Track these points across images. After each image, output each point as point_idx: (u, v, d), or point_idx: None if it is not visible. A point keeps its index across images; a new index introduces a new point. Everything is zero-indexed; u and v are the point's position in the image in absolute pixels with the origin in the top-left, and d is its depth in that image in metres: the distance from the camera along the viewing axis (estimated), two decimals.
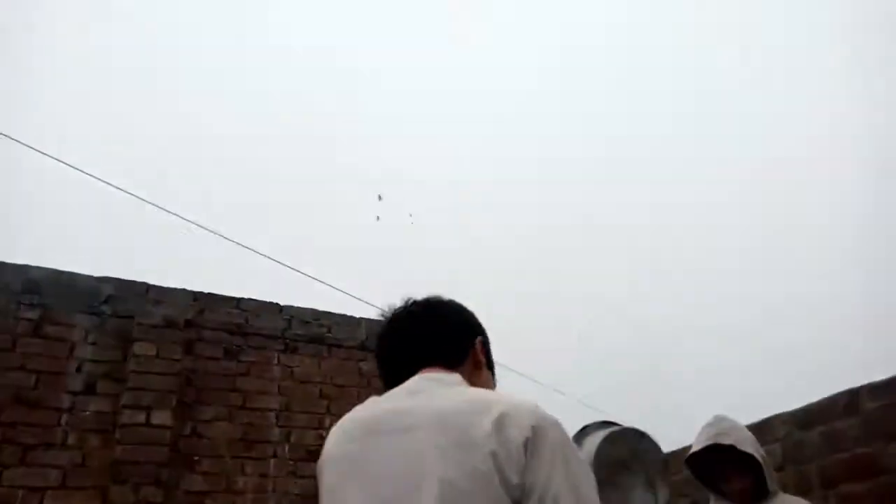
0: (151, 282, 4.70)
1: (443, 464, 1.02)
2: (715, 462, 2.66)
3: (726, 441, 2.58)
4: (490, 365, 1.35)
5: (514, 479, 0.98)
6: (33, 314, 4.23)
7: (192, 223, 5.78)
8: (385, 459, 1.11)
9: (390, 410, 1.18)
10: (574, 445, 1.11)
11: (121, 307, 4.49)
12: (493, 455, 0.99)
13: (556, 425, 1.06)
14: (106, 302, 4.49)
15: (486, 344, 1.34)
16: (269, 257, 6.05)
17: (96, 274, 4.57)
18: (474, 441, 1.01)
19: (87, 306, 4.41)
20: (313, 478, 4.25)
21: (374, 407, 1.23)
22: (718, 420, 2.71)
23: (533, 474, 0.99)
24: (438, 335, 1.29)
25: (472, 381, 1.25)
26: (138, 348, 4.32)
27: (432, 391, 1.17)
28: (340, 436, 1.24)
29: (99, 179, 5.44)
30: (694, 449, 2.69)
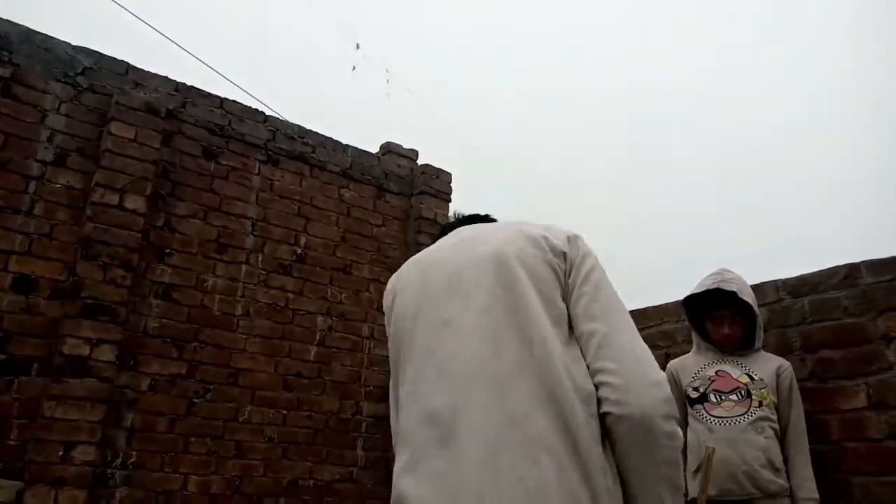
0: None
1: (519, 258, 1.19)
2: (710, 309, 2.72)
3: (729, 288, 2.63)
4: None
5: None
6: (3, 71, 3.88)
7: (179, 44, 5.32)
8: (455, 261, 1.24)
9: (453, 240, 1.33)
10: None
11: (98, 82, 4.17)
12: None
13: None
14: (82, 73, 4.15)
15: None
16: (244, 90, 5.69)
17: (73, 42, 4.19)
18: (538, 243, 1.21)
19: (62, 74, 4.07)
20: (282, 290, 4.23)
21: (436, 245, 1.37)
22: (724, 270, 2.75)
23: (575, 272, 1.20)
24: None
25: None
26: (115, 128, 4.05)
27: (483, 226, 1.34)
28: (409, 266, 1.36)
29: None
30: (697, 290, 2.74)
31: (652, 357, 1.12)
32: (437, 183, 5.45)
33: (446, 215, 5.44)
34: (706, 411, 2.59)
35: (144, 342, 3.98)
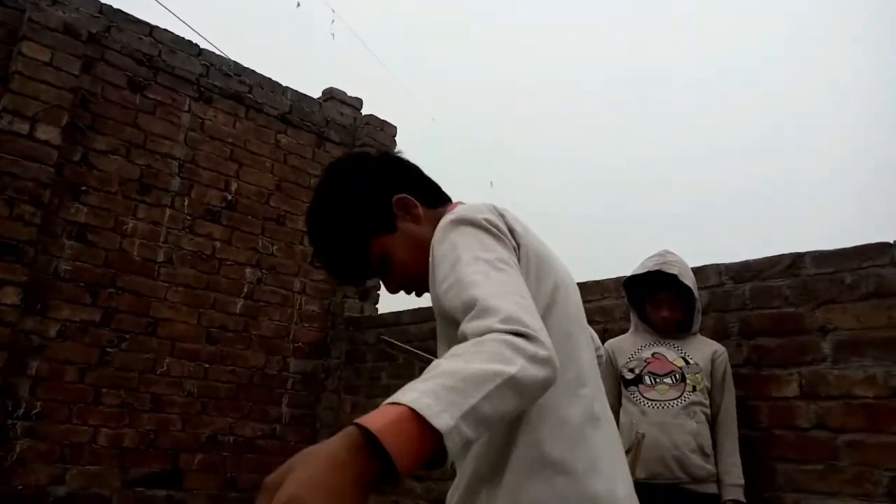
0: None
1: None
2: (650, 290, 2.68)
3: (671, 270, 2.58)
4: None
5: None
6: None
7: None
8: None
9: None
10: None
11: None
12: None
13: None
14: None
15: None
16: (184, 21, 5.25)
17: None
18: None
19: None
20: (209, 237, 3.96)
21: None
22: (665, 252, 2.70)
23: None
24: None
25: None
26: (27, 49, 3.66)
27: None
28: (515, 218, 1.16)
29: None
30: (637, 271, 2.68)
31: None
32: (380, 136, 5.22)
33: None
34: (640, 393, 2.56)
35: (54, 286, 3.69)
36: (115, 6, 4.16)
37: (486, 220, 0.94)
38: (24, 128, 3.57)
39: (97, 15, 4.06)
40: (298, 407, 4.56)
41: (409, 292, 1.12)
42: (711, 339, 2.70)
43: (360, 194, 1.08)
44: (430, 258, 0.96)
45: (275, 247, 4.59)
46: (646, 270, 2.63)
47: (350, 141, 5.15)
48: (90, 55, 3.96)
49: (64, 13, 3.86)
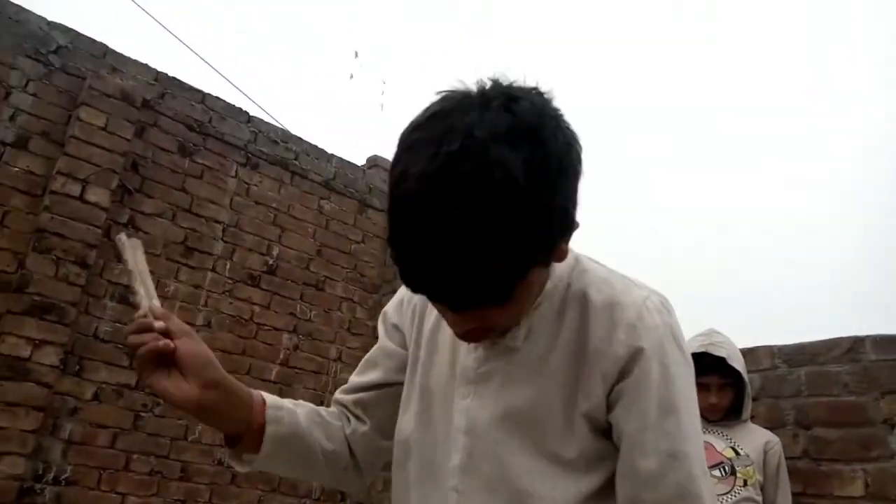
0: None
1: None
2: (696, 372, 2.54)
3: (718, 352, 2.44)
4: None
5: None
6: None
7: (165, 26, 5.08)
8: None
9: None
10: None
11: (72, 63, 3.90)
12: None
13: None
14: (55, 52, 3.88)
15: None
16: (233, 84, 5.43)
17: (49, 18, 3.93)
18: None
19: (33, 51, 3.80)
20: (248, 301, 3.93)
21: None
22: (712, 332, 2.57)
23: None
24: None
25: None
26: (85, 114, 3.79)
27: None
28: None
29: None
30: None
31: None
32: None
33: None
34: None
35: (93, 347, 3.70)
36: (171, 73, 4.32)
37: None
38: (76, 190, 3.66)
39: (153, 82, 4.21)
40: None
41: (472, 341, 0.82)
42: (764, 427, 2.54)
43: (562, 198, 0.69)
44: (642, 364, 0.77)
45: (313, 312, 4.57)
46: (690, 352, 2.51)
47: None
48: (143, 120, 4.08)
49: (122, 80, 4.00)
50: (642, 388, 0.77)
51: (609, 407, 0.79)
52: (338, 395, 1.06)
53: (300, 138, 4.82)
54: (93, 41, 4.04)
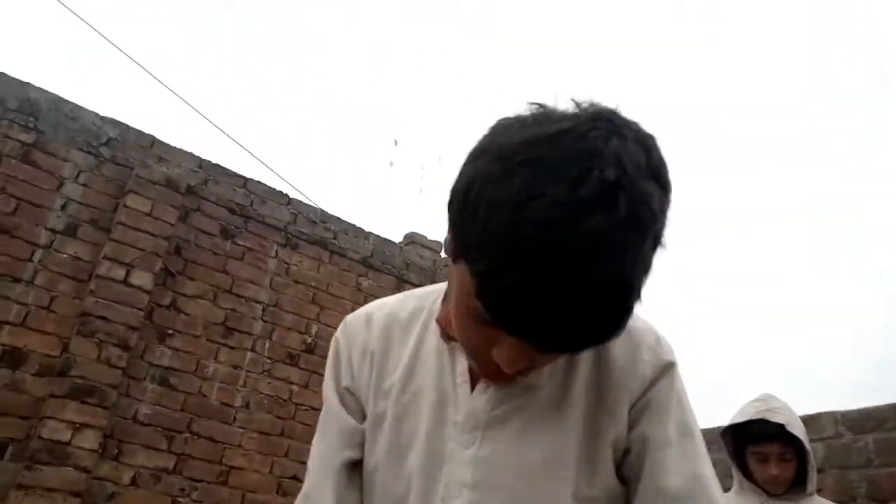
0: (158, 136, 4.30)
1: None
2: (753, 441, 2.36)
3: (776, 419, 2.27)
4: (452, 252, 0.73)
5: None
6: (26, 137, 3.81)
7: (210, 120, 5.32)
8: None
9: None
10: None
11: (121, 154, 4.08)
12: None
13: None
14: (106, 144, 4.07)
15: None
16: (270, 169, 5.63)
17: (102, 113, 4.15)
18: None
19: (85, 144, 4.00)
20: (287, 381, 3.90)
21: None
22: (769, 397, 2.39)
23: None
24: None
25: None
26: (131, 201, 3.93)
27: None
28: None
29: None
30: (737, 420, 2.38)
31: None
32: None
33: None
34: None
35: (133, 430, 3.69)
36: (214, 160, 4.48)
37: None
38: (121, 274, 3.75)
39: (197, 169, 4.36)
40: None
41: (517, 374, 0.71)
42: (833, 502, 2.34)
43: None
44: (658, 384, 0.76)
45: None
46: (747, 419, 2.34)
47: (429, 282, 5.14)
48: (187, 206, 4.21)
49: (167, 168, 4.16)
50: (665, 403, 0.75)
51: (631, 424, 0.75)
52: None
53: (338, 218, 4.90)
54: (140, 133, 4.23)
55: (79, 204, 3.86)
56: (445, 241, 0.68)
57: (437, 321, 0.82)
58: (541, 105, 0.62)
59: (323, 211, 4.87)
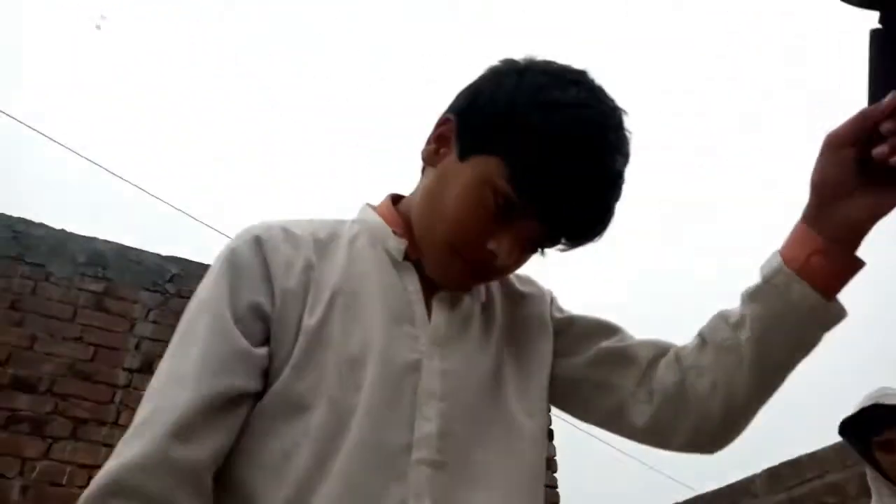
0: None
1: None
2: (874, 434, 2.13)
3: (891, 401, 2.06)
4: (463, 150, 0.80)
5: None
6: (97, 287, 4.03)
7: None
8: None
9: None
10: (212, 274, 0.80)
11: (185, 287, 4.25)
12: None
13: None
14: (170, 280, 4.27)
15: (459, 117, 0.82)
16: None
17: (163, 253, 4.38)
18: None
19: (151, 283, 4.20)
20: None
21: None
22: (885, 388, 2.19)
23: None
24: None
25: (414, 193, 0.90)
26: None
27: None
28: None
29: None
30: (851, 414, 2.17)
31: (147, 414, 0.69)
32: None
33: None
34: None
35: None
36: None
37: None
38: None
39: None
40: None
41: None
42: None
43: None
44: None
45: None
46: (858, 409, 2.13)
47: None
48: None
49: None
50: (568, 310, 0.96)
51: (556, 330, 0.91)
52: None
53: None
54: (201, 265, 4.42)
55: (151, 340, 4.00)
56: (428, 149, 0.84)
57: (396, 232, 0.85)
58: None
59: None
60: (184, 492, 0.66)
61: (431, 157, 0.83)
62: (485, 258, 0.77)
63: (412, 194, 0.89)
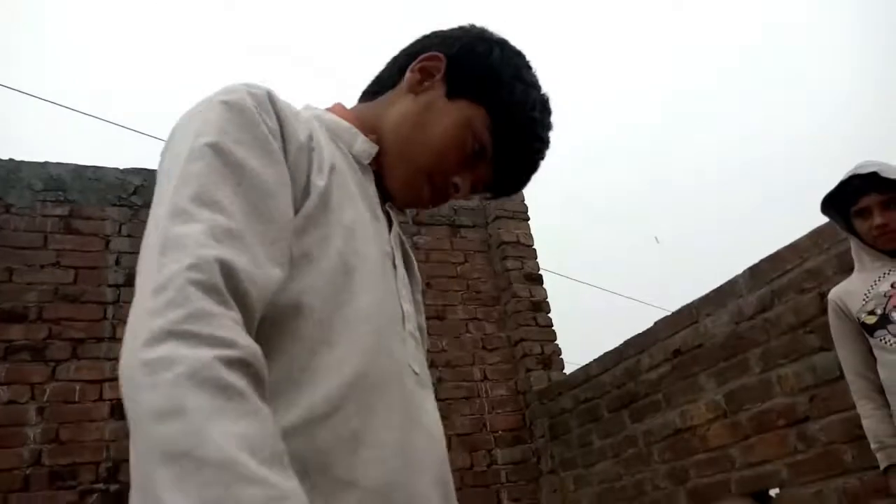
0: None
1: None
2: (851, 204, 2.18)
3: (866, 170, 2.09)
4: (453, 90, 0.85)
5: None
6: (61, 210, 3.94)
7: None
8: None
9: None
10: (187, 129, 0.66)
11: (151, 198, 4.16)
12: None
13: (187, 114, 0.69)
14: (135, 193, 4.17)
15: (451, 60, 0.86)
16: None
17: (121, 167, 4.25)
18: None
19: (116, 199, 4.10)
20: None
21: None
22: (861, 162, 2.22)
23: None
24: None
25: (383, 108, 0.87)
26: None
27: None
28: None
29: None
30: (830, 191, 2.22)
31: (176, 246, 0.55)
32: (510, 204, 5.13)
33: (528, 234, 5.09)
34: (893, 335, 2.04)
35: None
36: None
37: None
38: None
39: None
40: (520, 499, 4.24)
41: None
42: None
43: None
44: None
45: (444, 342, 4.50)
46: (837, 185, 2.18)
47: (482, 220, 5.10)
48: None
49: None
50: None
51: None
52: None
53: None
54: None
55: (130, 254, 3.97)
56: (412, 77, 0.86)
57: (370, 137, 0.85)
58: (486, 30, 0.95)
59: None
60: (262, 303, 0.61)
61: (414, 85, 0.87)
62: (446, 189, 0.85)
63: (371, 108, 0.89)
